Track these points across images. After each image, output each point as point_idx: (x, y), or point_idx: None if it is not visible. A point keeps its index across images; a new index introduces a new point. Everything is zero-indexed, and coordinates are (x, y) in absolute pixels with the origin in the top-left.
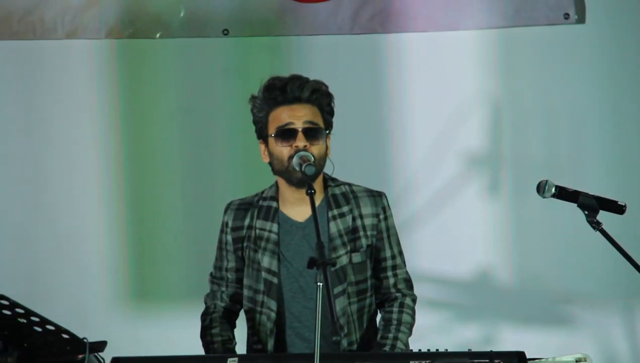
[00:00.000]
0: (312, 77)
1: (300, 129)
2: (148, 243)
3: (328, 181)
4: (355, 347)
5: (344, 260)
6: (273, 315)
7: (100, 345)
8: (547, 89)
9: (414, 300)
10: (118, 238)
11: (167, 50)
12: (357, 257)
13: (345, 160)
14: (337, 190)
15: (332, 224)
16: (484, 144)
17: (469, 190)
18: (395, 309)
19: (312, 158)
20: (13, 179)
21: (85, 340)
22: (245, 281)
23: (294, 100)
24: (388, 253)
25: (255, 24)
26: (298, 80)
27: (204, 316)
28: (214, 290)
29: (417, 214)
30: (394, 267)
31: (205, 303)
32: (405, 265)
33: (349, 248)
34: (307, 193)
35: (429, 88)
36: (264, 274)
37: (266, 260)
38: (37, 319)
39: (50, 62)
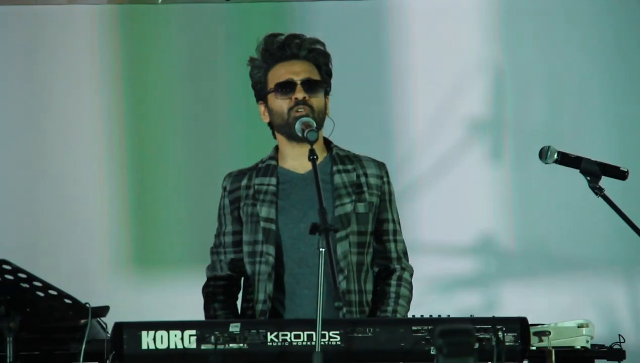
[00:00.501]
0: None
1: (299, 82)
2: (150, 209)
3: (331, 143)
4: (352, 296)
5: (348, 207)
6: (271, 259)
7: (103, 310)
8: (550, 55)
9: (412, 274)
10: (120, 203)
11: (169, 16)
12: (361, 207)
13: (347, 127)
14: (341, 152)
15: (336, 176)
16: (487, 111)
17: (471, 157)
18: (393, 282)
19: (315, 124)
20: (14, 145)
21: (87, 305)
22: (245, 238)
23: (292, 57)
24: (390, 217)
25: None
26: (295, 38)
27: (205, 289)
28: (213, 260)
29: (420, 180)
30: (395, 233)
31: (207, 275)
32: (402, 235)
33: (353, 197)
34: (310, 159)
35: (432, 54)
36: (262, 223)
37: (264, 210)
38: (39, 284)
39: (52, 28)
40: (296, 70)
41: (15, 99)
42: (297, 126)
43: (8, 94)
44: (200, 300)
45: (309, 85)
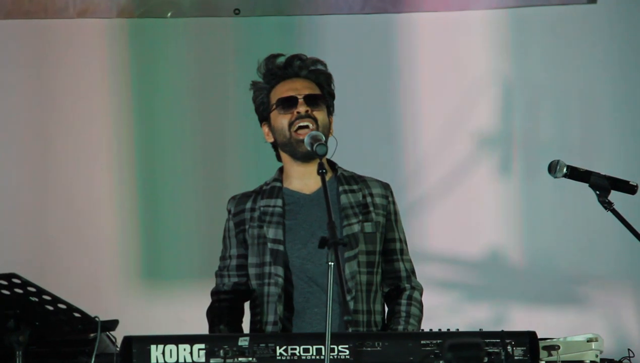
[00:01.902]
0: (323, 57)
1: (300, 97)
2: (159, 223)
3: (336, 165)
4: (360, 317)
5: (355, 227)
6: (280, 280)
7: (112, 324)
8: (558, 69)
9: (422, 293)
10: (129, 217)
11: (178, 30)
12: (368, 227)
13: (356, 140)
14: (345, 173)
15: (342, 196)
16: (495, 124)
17: (480, 171)
18: (404, 301)
19: (324, 138)
20: (25, 158)
21: (97, 319)
22: (251, 260)
23: (293, 75)
24: (397, 236)
25: (266, 3)
26: (297, 59)
27: (210, 312)
28: (217, 283)
29: (429, 195)
30: (402, 252)
31: (211, 298)
32: (409, 254)
33: (360, 217)
34: (319, 173)
35: (440, 68)
36: (269, 245)
37: (271, 232)
38: (48, 298)
39: (62, 42)
40: (297, 87)
41: (25, 112)
42: (306, 140)
43: (18, 108)
44: None
45: (311, 100)
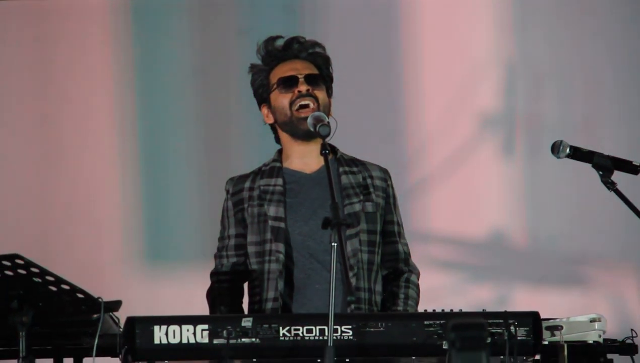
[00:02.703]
0: (326, 38)
1: (301, 77)
2: (163, 204)
3: (336, 148)
4: (362, 294)
5: (356, 206)
6: (281, 257)
7: (115, 305)
8: (562, 49)
9: (418, 276)
10: (133, 198)
11: (182, 11)
12: (369, 207)
13: (360, 121)
14: (345, 156)
15: (343, 177)
16: (498, 105)
17: (483, 151)
18: (402, 284)
19: (327, 119)
20: (27, 140)
21: (100, 300)
22: (251, 239)
23: (293, 57)
24: (395, 219)
25: None
26: (295, 42)
27: (210, 294)
28: (216, 264)
29: (432, 175)
30: (399, 234)
31: (211, 278)
32: (405, 238)
33: (361, 197)
34: (322, 154)
35: (443, 49)
36: (270, 222)
37: (272, 209)
38: (52, 278)
39: (63, 22)
40: (298, 67)
41: (27, 94)
42: (309, 120)
43: (20, 89)
44: None
45: (312, 79)
